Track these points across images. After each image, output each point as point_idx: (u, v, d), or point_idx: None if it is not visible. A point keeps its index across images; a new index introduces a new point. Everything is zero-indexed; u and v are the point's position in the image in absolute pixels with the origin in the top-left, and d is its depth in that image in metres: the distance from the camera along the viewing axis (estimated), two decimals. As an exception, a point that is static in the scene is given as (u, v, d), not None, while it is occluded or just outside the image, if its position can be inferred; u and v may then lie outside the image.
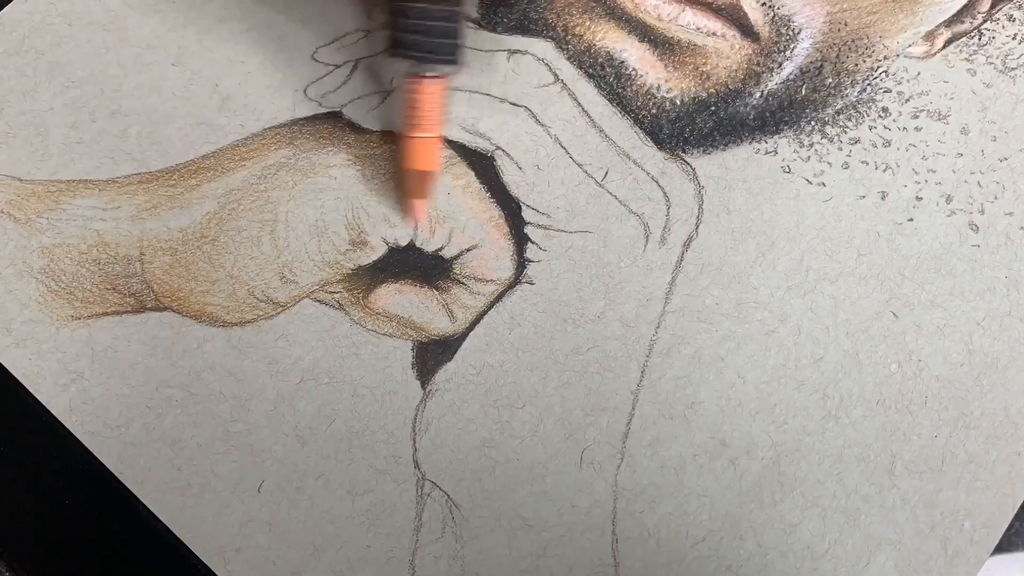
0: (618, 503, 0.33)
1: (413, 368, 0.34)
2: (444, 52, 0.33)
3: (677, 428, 0.34)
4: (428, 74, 0.33)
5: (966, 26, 0.38)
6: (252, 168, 0.35)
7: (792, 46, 0.37)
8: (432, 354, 0.34)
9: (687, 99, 0.37)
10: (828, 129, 0.37)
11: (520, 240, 0.35)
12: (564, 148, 0.36)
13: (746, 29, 0.37)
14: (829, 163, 0.36)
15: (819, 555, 0.33)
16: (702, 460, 0.34)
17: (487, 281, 0.35)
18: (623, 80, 0.37)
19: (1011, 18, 0.38)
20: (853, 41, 0.37)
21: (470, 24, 0.37)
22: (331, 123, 0.36)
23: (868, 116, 0.37)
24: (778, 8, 0.37)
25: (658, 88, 0.37)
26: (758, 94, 0.37)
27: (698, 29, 0.37)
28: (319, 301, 0.34)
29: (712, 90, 0.37)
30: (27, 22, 0.36)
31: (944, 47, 0.38)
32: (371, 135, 0.36)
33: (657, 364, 0.34)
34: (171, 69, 0.36)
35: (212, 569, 0.32)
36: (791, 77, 0.37)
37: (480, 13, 0.37)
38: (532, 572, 0.32)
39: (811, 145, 0.36)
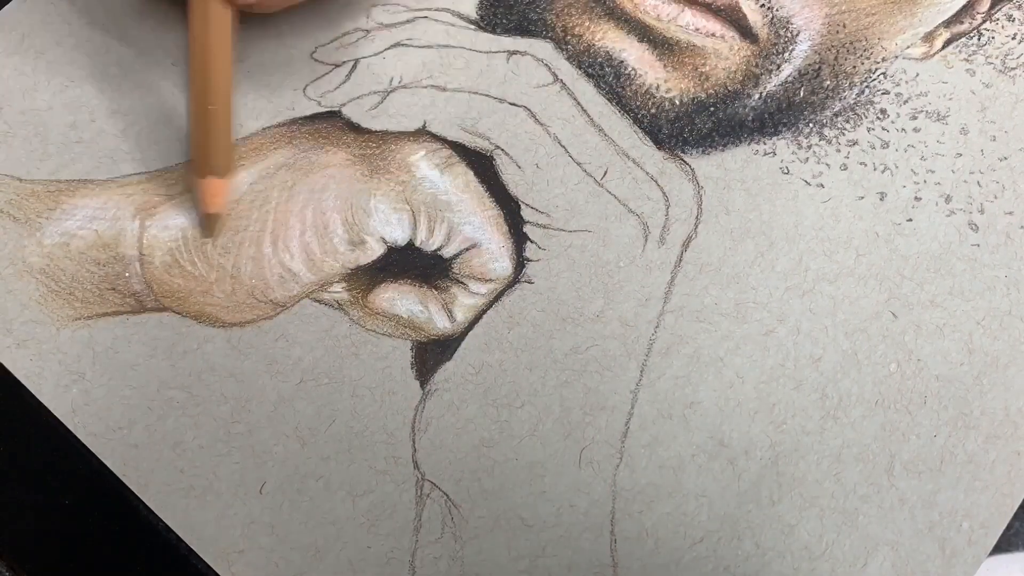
0: (616, 503, 0.33)
1: (412, 368, 0.34)
2: None
3: (676, 428, 0.34)
4: None
5: (965, 26, 0.38)
6: (251, 168, 0.35)
7: (791, 48, 0.37)
8: (431, 354, 0.34)
9: (686, 99, 0.37)
10: (826, 131, 0.37)
11: (519, 239, 0.35)
12: (563, 147, 0.36)
13: (745, 30, 0.37)
14: (827, 165, 0.36)
15: (817, 555, 0.33)
16: (700, 460, 0.34)
17: (486, 280, 0.35)
18: (622, 80, 0.37)
19: (1010, 18, 0.38)
20: (851, 43, 0.37)
21: (470, 25, 0.37)
22: (330, 123, 0.36)
23: (866, 118, 0.37)
24: (777, 10, 0.37)
25: (657, 88, 0.37)
26: (757, 95, 0.37)
27: (697, 30, 0.37)
28: (319, 301, 0.34)
29: (711, 91, 0.37)
30: (27, 21, 0.36)
31: (943, 48, 0.38)
32: (370, 135, 0.36)
33: (656, 364, 0.34)
34: (171, 69, 0.36)
35: (216, 571, 0.32)
36: (789, 79, 0.37)
37: (480, 14, 0.37)
38: (531, 572, 0.32)
39: (809, 147, 0.36)
